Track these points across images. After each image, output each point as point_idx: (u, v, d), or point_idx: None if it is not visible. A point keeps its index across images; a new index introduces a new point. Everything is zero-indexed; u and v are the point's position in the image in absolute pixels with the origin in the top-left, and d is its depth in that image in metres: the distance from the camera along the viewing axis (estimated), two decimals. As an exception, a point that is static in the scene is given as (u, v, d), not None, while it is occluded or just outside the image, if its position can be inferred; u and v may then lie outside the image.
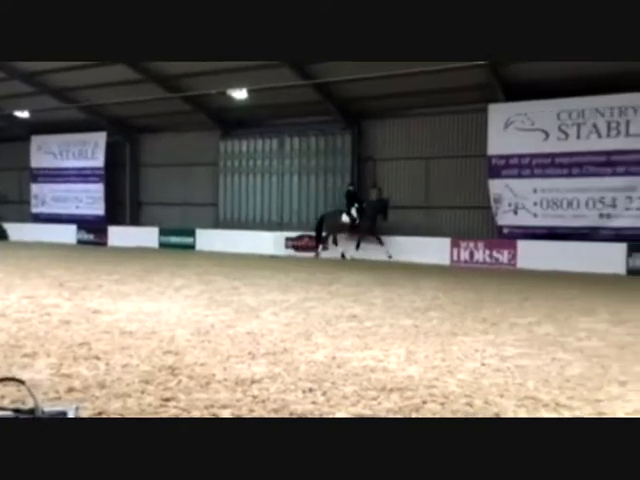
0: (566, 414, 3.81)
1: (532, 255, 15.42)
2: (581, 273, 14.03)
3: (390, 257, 17.13)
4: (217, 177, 22.06)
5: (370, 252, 17.77)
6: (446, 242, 16.86)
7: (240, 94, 17.26)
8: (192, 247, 21.31)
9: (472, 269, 15.59)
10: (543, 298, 9.76)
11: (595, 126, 15.08)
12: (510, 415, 3.74)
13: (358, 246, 17.69)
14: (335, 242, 18.25)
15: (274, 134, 20.87)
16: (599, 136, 15.05)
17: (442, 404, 3.93)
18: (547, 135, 15.68)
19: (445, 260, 16.66)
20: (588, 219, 15.33)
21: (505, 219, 16.43)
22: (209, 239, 21.09)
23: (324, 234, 18.24)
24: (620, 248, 14.54)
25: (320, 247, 18.24)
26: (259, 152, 21.20)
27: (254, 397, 4.00)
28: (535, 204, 15.99)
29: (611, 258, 14.49)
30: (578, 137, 15.30)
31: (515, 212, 16.27)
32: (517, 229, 16.27)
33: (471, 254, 16.46)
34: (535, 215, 16.01)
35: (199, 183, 22.79)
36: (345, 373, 4.68)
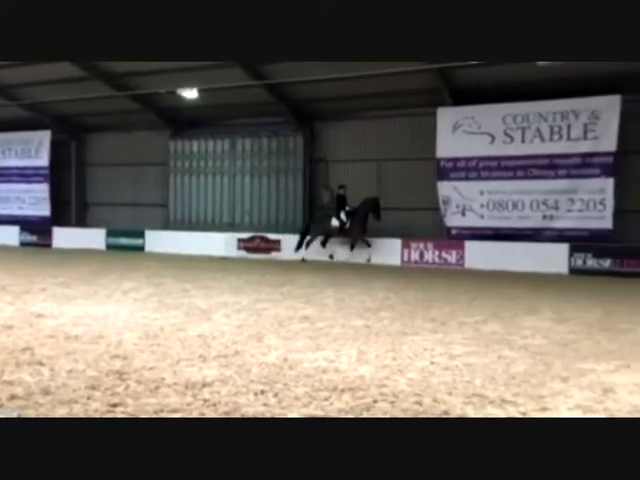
0: (511, 410, 3.92)
1: (479, 255, 15.81)
2: (526, 273, 14.48)
3: (368, 260, 17.05)
4: (167, 177, 21.70)
5: (321, 253, 17.82)
6: (397, 243, 17.09)
7: (190, 94, 17.03)
8: (141, 249, 20.87)
9: (422, 269, 15.86)
10: (490, 297, 10.02)
11: (539, 130, 15.60)
12: (458, 412, 3.82)
13: (352, 248, 17.29)
14: (307, 245, 17.70)
15: (225, 134, 20.70)
16: (542, 140, 15.57)
17: (392, 403, 3.98)
18: (493, 138, 16.12)
19: (396, 260, 16.88)
20: (532, 220, 15.84)
21: (453, 220, 16.80)
22: (159, 240, 20.70)
23: (308, 238, 17.64)
24: (563, 248, 15.08)
25: (305, 250, 17.65)
26: (210, 153, 20.97)
27: (205, 401, 3.96)
28: (482, 206, 16.41)
29: (554, 258, 15.01)
30: (523, 141, 15.79)
31: (463, 214, 16.65)
32: (465, 230, 16.65)
33: (421, 255, 16.75)
34: (482, 216, 16.43)
35: (148, 183, 22.37)
36: (297, 374, 4.68)
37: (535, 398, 4.21)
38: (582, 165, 15.17)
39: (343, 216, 17.14)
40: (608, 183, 14.88)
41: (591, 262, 14.74)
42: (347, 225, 17.09)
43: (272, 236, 19.03)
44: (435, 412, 3.82)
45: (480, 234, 16.38)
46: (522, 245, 15.51)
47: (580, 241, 15.10)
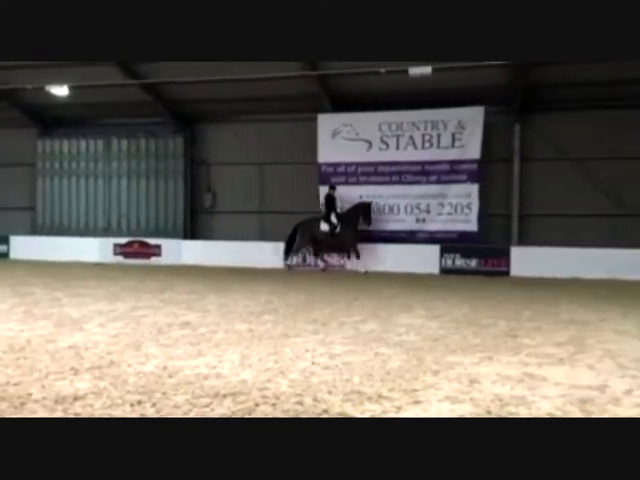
0: (387, 405, 4.11)
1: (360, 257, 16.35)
2: (402, 273, 15.21)
3: (366, 272, 15.63)
4: (35, 179, 20.26)
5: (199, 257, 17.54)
6: (280, 247, 17.20)
7: (60, 91, 16.03)
8: (5, 256, 19.32)
9: (305, 272, 16.10)
10: (369, 298, 10.40)
11: (412, 138, 16.47)
12: (337, 410, 3.94)
13: (349, 256, 16.29)
14: (295, 252, 16.59)
15: (99, 135, 19.71)
16: (415, 147, 16.46)
17: (274, 405, 4.02)
18: (370, 145, 16.78)
19: (280, 264, 17.00)
20: (407, 223, 16.67)
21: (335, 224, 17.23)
22: (26, 247, 19.27)
23: (296, 245, 16.50)
24: (434, 250, 16.03)
25: (293, 259, 16.73)
26: (83, 153, 19.86)
27: (77, 415, 3.76)
28: (362, 210, 17.00)
29: (427, 259, 15.90)
30: (397, 148, 16.58)
31: (344, 217, 17.13)
32: None
33: (304, 257, 17.00)
34: (362, 220, 17.01)
35: (14, 185, 20.74)
36: (177, 382, 4.58)
37: (409, 392, 4.44)
38: (450, 171, 16.22)
39: (334, 219, 16.04)
40: (473, 188, 16.04)
41: (459, 262, 15.79)
42: (337, 230, 16.02)
43: (152, 241, 18.43)
44: (315, 411, 3.91)
45: (360, 237, 16.94)
46: (399, 247, 16.27)
47: (449, 242, 16.12)
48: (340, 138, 16.98)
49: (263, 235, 18.29)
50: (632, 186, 15.40)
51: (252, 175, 18.61)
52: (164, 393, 4.27)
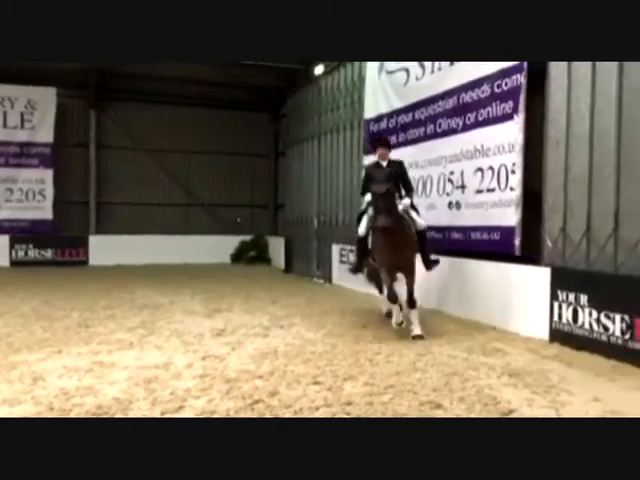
0: None
1: None
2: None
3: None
4: None
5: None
6: None
7: None
8: None
9: None
10: None
11: (-31, 115, 14.41)
12: None
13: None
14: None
15: None
16: (-18, 125, 14.46)
17: None
18: None
19: None
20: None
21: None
22: None
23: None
24: (3, 241, 14.47)
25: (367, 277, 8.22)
26: None
27: None
28: None
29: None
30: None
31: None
32: None
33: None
34: None
35: None
36: None
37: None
38: (21, 154, 14.83)
39: (364, 222, 7.53)
40: (47, 174, 15.04)
41: (33, 253, 14.67)
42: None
43: None
44: None
45: None
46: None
47: (21, 232, 14.78)
48: None
49: None
50: (199, 179, 16.92)
51: None
52: None
